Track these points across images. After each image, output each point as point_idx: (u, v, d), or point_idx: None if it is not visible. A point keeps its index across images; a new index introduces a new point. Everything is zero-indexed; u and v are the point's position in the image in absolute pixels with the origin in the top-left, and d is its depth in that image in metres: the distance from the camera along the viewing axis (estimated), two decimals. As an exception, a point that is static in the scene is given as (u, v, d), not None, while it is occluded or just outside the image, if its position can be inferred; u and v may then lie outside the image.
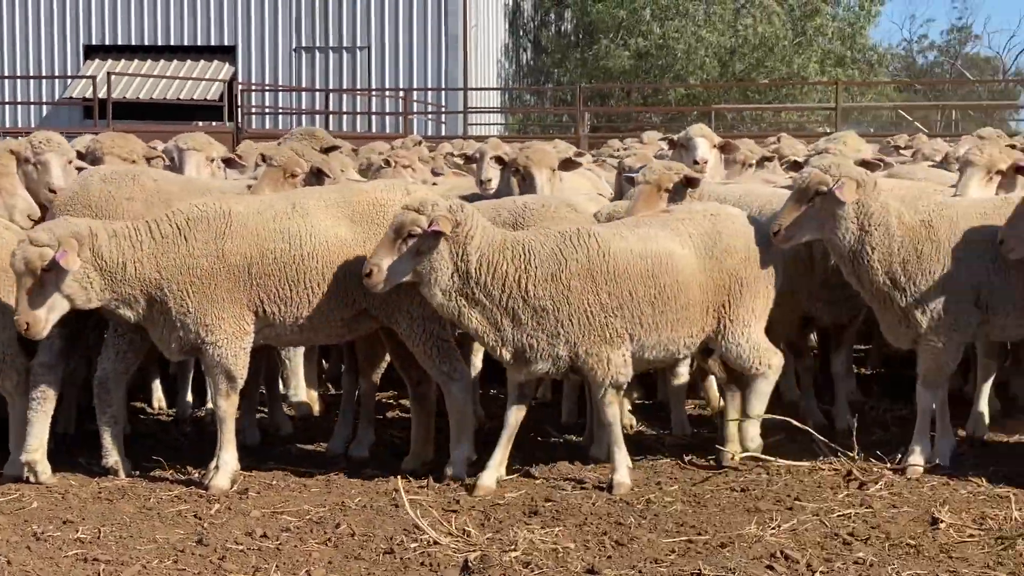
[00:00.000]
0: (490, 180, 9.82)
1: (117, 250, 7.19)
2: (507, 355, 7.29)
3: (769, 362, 7.61)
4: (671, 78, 40.14)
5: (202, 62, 36.18)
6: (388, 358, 8.13)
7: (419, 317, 7.44)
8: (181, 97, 34.85)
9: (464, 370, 7.68)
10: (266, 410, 9.07)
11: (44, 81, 35.44)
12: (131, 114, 31.08)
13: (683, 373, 8.78)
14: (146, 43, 36.06)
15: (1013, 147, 10.19)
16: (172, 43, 36.04)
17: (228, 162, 10.17)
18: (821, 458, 7.75)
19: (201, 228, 7.30)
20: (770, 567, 5.97)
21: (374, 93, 35.13)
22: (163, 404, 9.79)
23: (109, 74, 28.39)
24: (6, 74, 34.83)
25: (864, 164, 8.07)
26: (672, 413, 8.84)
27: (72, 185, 8.57)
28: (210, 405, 8.00)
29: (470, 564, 6.06)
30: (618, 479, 7.32)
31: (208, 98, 34.54)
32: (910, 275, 7.50)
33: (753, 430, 7.70)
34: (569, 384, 9.01)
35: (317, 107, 34.58)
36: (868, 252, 7.48)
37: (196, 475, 7.66)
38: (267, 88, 35.18)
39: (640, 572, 5.98)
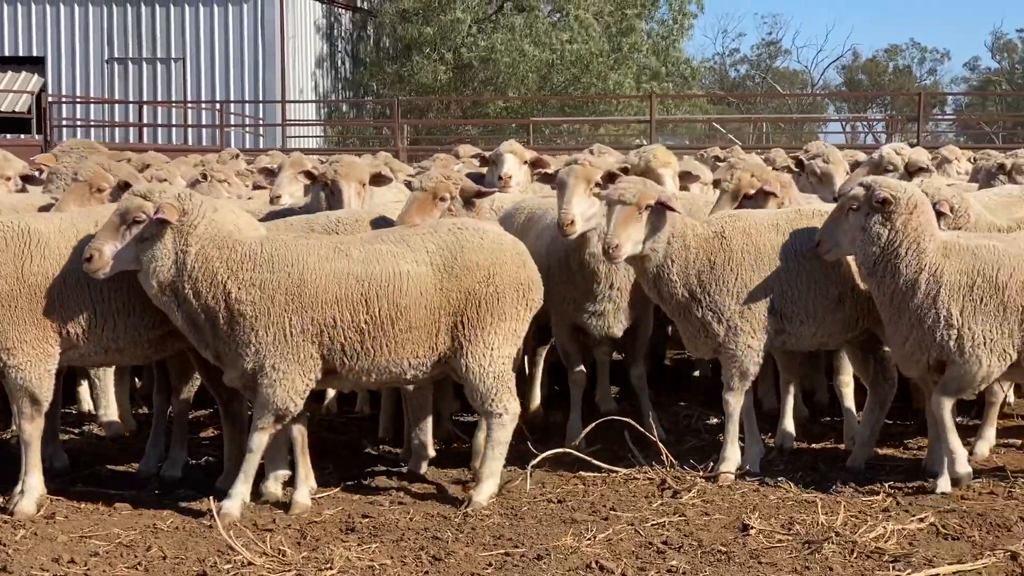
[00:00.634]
0: (279, 197, 9.61)
1: None
2: (211, 358, 7.13)
3: (507, 405, 7.28)
4: (491, 91, 40.40)
5: (9, 73, 35.14)
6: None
7: None
8: (-14, 109, 33.77)
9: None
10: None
11: None
12: (-66, 127, 30.05)
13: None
14: (-51, 53, 34.96)
15: (800, 161, 10.58)
16: (-23, 53, 35.00)
17: (27, 178, 9.87)
18: (636, 467, 7.87)
19: (-1, 249, 7.05)
20: (585, 578, 6.02)
21: (189, 105, 34.57)
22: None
23: (-89, 85, 27.42)
24: None
25: (609, 177, 8.12)
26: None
27: None
28: (15, 428, 7.73)
29: (284, 584, 5.99)
30: (297, 497, 7.19)
31: (16, 110, 33.52)
32: (705, 286, 7.67)
33: (490, 487, 7.36)
34: (386, 398, 8.96)
35: (131, 119, 33.87)
36: (668, 265, 7.64)
37: (0, 501, 7.39)
38: (78, 100, 34.35)
39: (457, 587, 5.99)
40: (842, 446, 8.57)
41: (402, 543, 6.60)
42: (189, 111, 34.95)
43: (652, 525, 6.84)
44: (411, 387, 7.89)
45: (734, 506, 7.21)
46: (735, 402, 7.81)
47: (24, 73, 35.15)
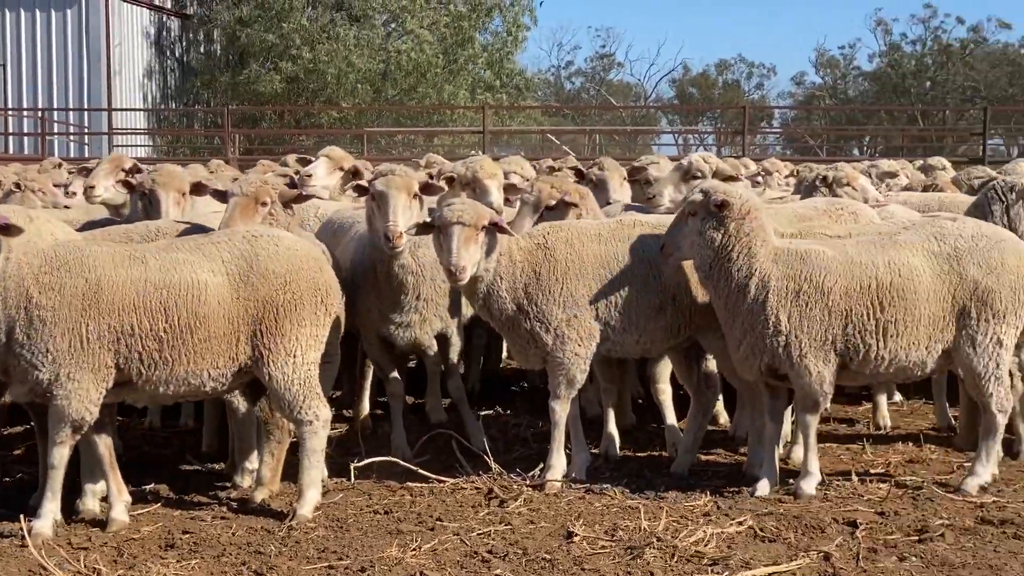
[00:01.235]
0: (93, 187, 9.63)
1: None
2: None
3: (317, 412, 7.20)
4: (322, 101, 40.12)
5: None
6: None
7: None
8: None
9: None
10: None
11: None
12: None
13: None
14: None
15: (580, 171, 10.86)
16: None
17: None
18: (464, 477, 7.86)
19: None
20: (409, 589, 6.00)
21: (10, 112, 33.59)
22: None
23: None
24: None
25: (424, 187, 8.17)
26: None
27: None
28: None
29: (97, 604, 5.83)
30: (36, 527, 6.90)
31: None
32: (532, 296, 7.72)
33: (312, 497, 7.27)
34: (209, 411, 8.80)
35: (-52, 127, 32.83)
36: (497, 283, 7.68)
37: None
38: None
39: (278, 602, 5.90)
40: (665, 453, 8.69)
41: (223, 559, 6.48)
42: (10, 118, 33.95)
43: (478, 534, 6.84)
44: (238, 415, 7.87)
45: (560, 514, 7.25)
46: (561, 410, 7.85)
47: None
